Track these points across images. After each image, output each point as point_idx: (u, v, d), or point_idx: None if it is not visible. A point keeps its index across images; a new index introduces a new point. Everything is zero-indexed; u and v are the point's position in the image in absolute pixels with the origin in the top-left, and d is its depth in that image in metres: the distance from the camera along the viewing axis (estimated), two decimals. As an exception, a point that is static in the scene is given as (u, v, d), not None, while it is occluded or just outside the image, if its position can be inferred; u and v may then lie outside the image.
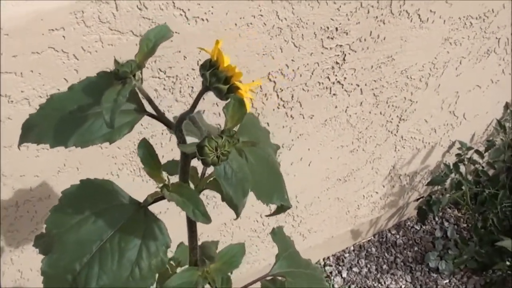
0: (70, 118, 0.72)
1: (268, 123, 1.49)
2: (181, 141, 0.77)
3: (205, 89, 0.74)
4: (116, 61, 0.72)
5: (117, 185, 0.80)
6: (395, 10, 1.41)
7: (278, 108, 1.48)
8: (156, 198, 0.79)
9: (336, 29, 1.37)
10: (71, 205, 0.76)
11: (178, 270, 1.02)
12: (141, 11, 1.12)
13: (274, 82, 1.41)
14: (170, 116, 1.30)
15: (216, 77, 0.72)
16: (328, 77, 1.48)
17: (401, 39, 1.50)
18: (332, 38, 1.39)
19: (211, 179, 0.88)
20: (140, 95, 0.77)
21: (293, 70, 1.41)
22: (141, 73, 0.73)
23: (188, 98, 1.31)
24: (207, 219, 0.74)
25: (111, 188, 0.79)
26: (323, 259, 2.14)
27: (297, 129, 1.57)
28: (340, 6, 1.32)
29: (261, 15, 1.26)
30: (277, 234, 1.08)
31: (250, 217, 1.72)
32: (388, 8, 1.39)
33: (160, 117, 0.77)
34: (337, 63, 1.46)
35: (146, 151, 0.78)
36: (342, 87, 1.53)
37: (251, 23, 1.26)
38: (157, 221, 0.77)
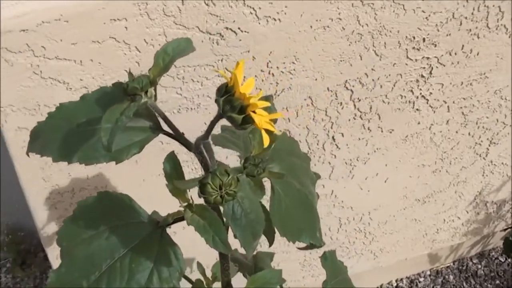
0: (78, 131, 0.67)
1: (342, 134, 1.40)
2: (202, 163, 0.69)
3: (219, 116, 0.66)
4: (130, 74, 0.66)
5: (135, 202, 0.74)
6: (491, 24, 1.28)
7: (355, 119, 1.38)
8: (176, 218, 0.73)
9: (424, 39, 1.26)
10: (85, 218, 0.71)
11: (214, 285, 0.96)
12: (208, 7, 1.06)
13: (351, 91, 1.31)
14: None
15: (230, 105, 0.63)
16: (411, 91, 1.37)
17: (497, 56, 1.36)
18: (418, 49, 1.28)
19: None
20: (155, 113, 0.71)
21: (373, 80, 1.31)
22: (155, 89, 0.66)
23: (256, 100, 1.24)
24: (227, 249, 0.66)
25: (129, 204, 0.73)
26: (396, 281, 2.02)
27: (374, 143, 1.46)
28: (429, 15, 1.21)
29: (340, 19, 1.17)
30: (328, 259, 1.00)
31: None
32: (484, 21, 1.26)
33: (177, 136, 0.70)
34: (422, 76, 1.34)
35: (173, 166, 0.72)
36: (427, 103, 1.41)
37: (328, 27, 1.17)
38: (173, 245, 0.71)
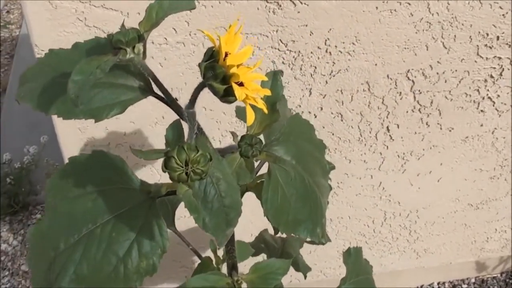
0: (60, 82, 0.62)
1: (398, 125, 1.32)
2: (194, 133, 0.64)
3: (202, 83, 0.60)
4: (122, 26, 0.60)
5: (129, 166, 0.69)
6: None
7: (413, 111, 1.30)
8: (170, 190, 0.68)
9: (497, 37, 1.16)
10: (75, 175, 0.67)
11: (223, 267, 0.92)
12: (268, -27, 1.00)
13: (413, 82, 1.23)
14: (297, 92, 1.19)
15: (213, 72, 0.58)
16: (478, 90, 1.28)
17: None
18: (490, 47, 1.18)
19: (258, 181, 0.75)
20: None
21: (437, 73, 1.23)
22: (144, 46, 0.60)
23: (309, 78, 1.18)
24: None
25: (122, 168, 0.68)
26: (438, 283, 1.93)
27: (431, 139, 1.38)
28: (506, 12, 1.11)
29: (409, 4, 1.09)
30: (352, 256, 0.94)
31: (361, 220, 1.58)
32: None
33: (169, 102, 0.64)
34: (491, 76, 1.25)
35: (176, 135, 0.67)
36: (493, 105, 1.32)
37: (395, 10, 1.09)
38: (159, 219, 0.66)
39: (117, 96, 0.62)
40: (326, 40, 1.12)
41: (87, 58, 0.55)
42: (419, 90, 1.25)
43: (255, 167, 0.71)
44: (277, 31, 1.08)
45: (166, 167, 0.56)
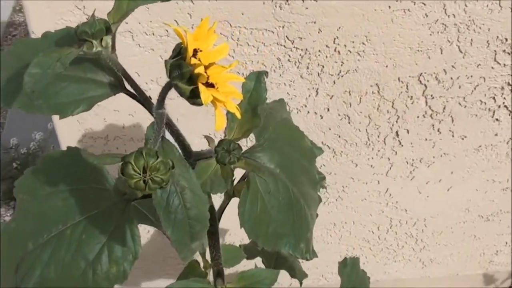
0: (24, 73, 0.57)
1: (407, 130, 1.27)
2: (160, 136, 0.59)
3: (169, 83, 0.55)
4: (92, 16, 0.55)
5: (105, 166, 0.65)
6: None
7: (424, 117, 1.25)
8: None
9: (517, 43, 1.10)
10: (47, 172, 0.63)
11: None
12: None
13: (425, 86, 1.18)
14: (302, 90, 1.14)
15: (179, 71, 0.52)
16: (493, 98, 1.22)
17: None
18: (509, 53, 1.13)
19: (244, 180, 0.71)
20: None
21: (451, 78, 1.17)
22: (113, 39, 0.55)
23: (316, 77, 1.13)
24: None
25: (97, 166, 0.64)
26: (443, 294, 1.87)
27: (442, 147, 1.32)
28: (527, 17, 1.06)
29: (424, 4, 1.03)
30: (348, 266, 0.89)
31: (366, 225, 1.52)
32: None
33: (142, 100, 0.60)
34: (509, 84, 1.19)
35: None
36: (509, 114, 1.26)
37: (408, 10, 1.04)
38: (132, 224, 0.61)
39: (84, 91, 0.57)
40: (335, 39, 1.07)
41: (47, 50, 0.50)
42: (431, 95, 1.20)
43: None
44: (283, 27, 1.03)
45: (122, 173, 0.51)
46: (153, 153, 0.52)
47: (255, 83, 0.71)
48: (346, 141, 1.29)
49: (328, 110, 1.21)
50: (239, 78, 0.56)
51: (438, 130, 1.28)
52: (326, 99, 1.19)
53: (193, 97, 0.52)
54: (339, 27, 1.05)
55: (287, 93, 1.16)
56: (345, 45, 1.08)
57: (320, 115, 1.22)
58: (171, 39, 1.01)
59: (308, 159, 0.76)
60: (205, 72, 0.51)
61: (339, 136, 1.28)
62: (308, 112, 1.21)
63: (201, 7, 0.98)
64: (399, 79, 1.16)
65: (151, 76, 1.06)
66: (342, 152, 1.32)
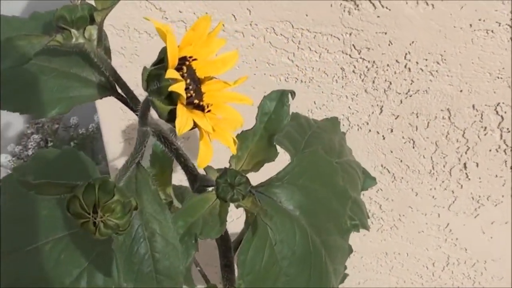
0: None
1: (477, 164, 1.15)
2: (135, 160, 0.49)
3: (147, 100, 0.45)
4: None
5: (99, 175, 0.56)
6: None
7: (497, 151, 1.13)
8: None
9: None
10: (37, 174, 0.54)
11: None
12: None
13: (502, 117, 1.06)
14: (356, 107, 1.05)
15: (158, 84, 0.42)
16: None
17: None
18: None
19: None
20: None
21: (533, 112, 1.05)
22: (100, 32, 0.45)
23: (382, 94, 1.04)
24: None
25: (91, 174, 0.54)
26: None
27: (514, 186, 1.20)
28: None
29: (510, 26, 0.92)
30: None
31: (420, 260, 1.41)
32: None
33: (134, 108, 0.50)
34: None
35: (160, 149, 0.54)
36: None
37: (492, 31, 0.93)
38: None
39: (65, 89, 0.49)
40: (406, 54, 0.97)
41: (13, 36, 0.41)
42: (507, 128, 1.08)
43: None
44: (350, 35, 0.95)
45: (67, 208, 0.42)
46: (109, 188, 0.41)
47: (277, 104, 0.59)
48: (408, 166, 1.18)
49: (392, 131, 1.11)
50: (245, 99, 0.45)
51: (511, 168, 1.16)
52: (391, 118, 1.09)
53: (174, 120, 0.41)
54: (412, 42, 0.95)
55: (349, 107, 1.07)
56: (417, 62, 0.98)
57: (383, 136, 1.13)
58: (227, 35, 0.94)
59: (340, 201, 0.63)
60: (199, 88, 0.42)
61: (401, 161, 1.17)
62: (370, 130, 1.12)
63: (263, 4, 0.91)
64: (473, 106, 1.05)
65: (203, 72, 0.99)
66: (402, 178, 1.21)
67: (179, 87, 0.39)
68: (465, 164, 1.16)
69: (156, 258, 0.45)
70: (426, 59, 0.98)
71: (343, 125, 1.10)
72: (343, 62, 0.99)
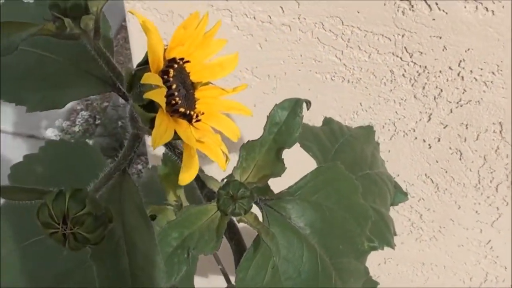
0: None
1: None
2: (123, 166, 0.45)
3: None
4: None
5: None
6: None
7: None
8: (152, 214, 0.52)
9: None
10: (46, 165, 0.52)
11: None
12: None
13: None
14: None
15: (140, 89, 0.38)
16: None
17: None
18: None
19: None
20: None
21: None
22: (98, 23, 0.41)
23: (431, 101, 0.99)
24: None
25: (98, 163, 0.52)
26: None
27: None
28: None
29: None
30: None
31: (458, 274, 1.36)
32: None
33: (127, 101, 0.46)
34: None
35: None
36: None
37: (555, 44, 0.88)
38: None
39: (62, 83, 0.45)
40: (460, 61, 0.92)
41: (5, 21, 0.38)
42: None
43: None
44: (403, 36, 0.90)
45: (37, 216, 0.38)
46: (80, 198, 0.38)
47: (289, 114, 0.54)
48: (453, 178, 1.13)
49: (439, 140, 1.07)
50: (243, 109, 0.41)
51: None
52: (439, 127, 1.04)
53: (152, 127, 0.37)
54: (468, 49, 0.90)
55: (396, 112, 1.03)
56: (471, 71, 0.93)
57: (429, 144, 1.08)
58: (273, 27, 0.91)
59: (358, 221, 0.58)
60: (192, 94, 0.38)
61: (446, 172, 1.13)
62: (416, 138, 1.07)
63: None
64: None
65: (246, 64, 0.96)
66: (446, 189, 1.16)
67: (156, 95, 0.35)
68: (513, 181, 1.11)
69: (135, 275, 0.41)
70: (481, 69, 0.93)
71: (389, 130, 1.06)
72: (393, 64, 0.95)
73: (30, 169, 0.52)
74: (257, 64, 0.96)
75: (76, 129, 2.26)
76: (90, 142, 2.14)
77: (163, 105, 0.36)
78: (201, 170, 0.50)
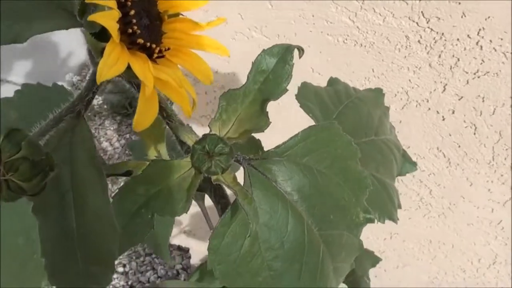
0: None
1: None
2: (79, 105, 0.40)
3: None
4: None
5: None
6: None
7: None
8: (128, 170, 0.47)
9: None
10: (22, 109, 0.48)
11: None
12: None
13: None
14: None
15: (91, 12, 0.32)
16: None
17: None
18: None
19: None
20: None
21: None
22: None
23: (447, 70, 0.95)
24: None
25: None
26: None
27: None
28: None
29: None
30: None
31: (466, 253, 1.33)
32: None
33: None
34: None
35: None
36: None
37: None
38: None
39: (29, 17, 0.38)
40: (480, 30, 0.88)
41: None
42: None
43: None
44: (420, 0, 0.86)
45: None
46: (16, 140, 0.33)
47: (277, 62, 0.47)
48: (466, 153, 1.09)
49: (453, 112, 1.02)
50: (220, 47, 0.35)
51: None
52: (454, 99, 1.00)
53: (102, 40, 0.33)
54: (488, 17, 0.86)
55: (409, 80, 0.99)
56: (490, 41, 0.89)
57: (442, 116, 1.04)
58: (286, -17, 0.87)
59: (353, 189, 0.51)
60: (157, 25, 0.33)
61: (459, 146, 1.08)
62: (429, 109, 1.03)
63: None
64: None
65: (255, 23, 0.92)
66: (458, 165, 1.12)
67: (103, 17, 0.31)
68: (529, 160, 1.06)
69: (83, 235, 0.36)
70: (502, 39, 0.88)
71: (401, 99, 1.02)
72: (409, 29, 0.90)
73: (3, 113, 0.49)
74: (266, 23, 0.92)
75: (86, 84, 2.24)
76: (100, 98, 2.12)
77: (114, 31, 0.32)
78: (181, 123, 0.46)
